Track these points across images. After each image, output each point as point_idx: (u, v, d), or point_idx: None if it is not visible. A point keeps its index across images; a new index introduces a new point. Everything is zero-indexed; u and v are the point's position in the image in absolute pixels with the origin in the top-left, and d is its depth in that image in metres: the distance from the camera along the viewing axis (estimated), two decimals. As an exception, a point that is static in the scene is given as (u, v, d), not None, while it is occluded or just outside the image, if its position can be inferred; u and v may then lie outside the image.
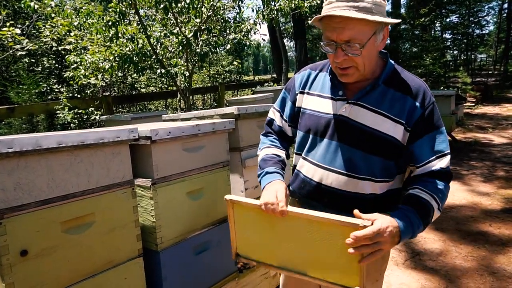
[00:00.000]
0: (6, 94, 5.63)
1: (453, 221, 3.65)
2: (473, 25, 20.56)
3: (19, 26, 5.88)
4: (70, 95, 6.31)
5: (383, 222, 0.97)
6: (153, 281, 1.55)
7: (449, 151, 1.15)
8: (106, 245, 1.36)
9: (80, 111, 5.58)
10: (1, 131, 4.99)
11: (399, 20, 1.16)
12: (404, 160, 1.20)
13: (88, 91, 6.03)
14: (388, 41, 16.20)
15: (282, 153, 1.36)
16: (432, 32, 18.12)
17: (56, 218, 1.22)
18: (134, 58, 4.24)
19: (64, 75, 5.34)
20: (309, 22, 1.18)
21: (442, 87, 12.82)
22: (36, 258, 1.17)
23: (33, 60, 6.24)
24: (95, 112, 5.75)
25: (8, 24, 4.12)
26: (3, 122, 5.28)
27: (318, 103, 1.25)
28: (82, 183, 1.29)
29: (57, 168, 1.22)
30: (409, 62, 14.06)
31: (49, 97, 6.21)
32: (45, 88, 6.02)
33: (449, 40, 18.59)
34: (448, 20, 18.43)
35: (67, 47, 5.77)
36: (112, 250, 1.38)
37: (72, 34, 5.43)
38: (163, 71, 4.39)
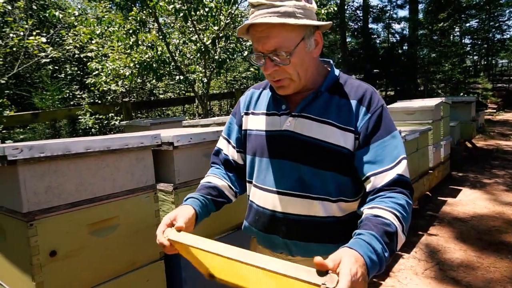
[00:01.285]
0: (31, 100, 5.83)
1: (474, 230, 3.57)
2: (493, 29, 20.10)
3: (44, 34, 6.11)
4: (91, 101, 6.49)
5: (351, 267, 0.71)
6: (174, 284, 1.58)
7: (404, 155, 1.01)
8: (129, 247, 1.39)
9: (100, 117, 5.73)
10: (26, 136, 5.16)
11: (328, 23, 1.03)
12: (357, 172, 1.04)
13: (109, 97, 6.19)
14: (406, 47, 16.06)
15: (216, 180, 1.21)
16: (451, 37, 17.81)
17: (84, 221, 1.26)
18: (154, 65, 4.35)
19: (86, 82, 5.50)
20: (236, 34, 1.13)
21: (462, 93, 12.57)
22: (64, 259, 1.21)
23: (57, 67, 6.45)
24: (115, 118, 5.90)
25: (34, 33, 4.29)
26: (28, 127, 5.47)
27: (263, 121, 1.15)
28: (108, 187, 1.33)
29: (84, 172, 1.27)
30: (428, 68, 13.86)
31: (71, 102, 6.40)
32: (67, 94, 6.21)
33: (468, 45, 18.23)
34: (467, 25, 18.09)
35: (89, 54, 5.97)
36: (135, 253, 1.42)
37: (93, 41, 5.61)
38: (181, 77, 4.48)
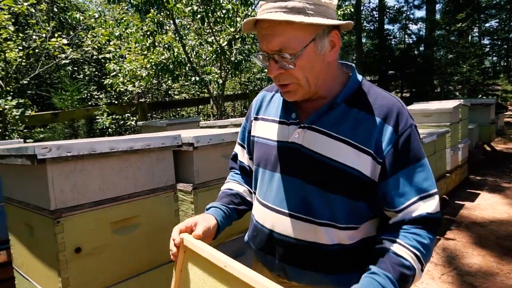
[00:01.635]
0: (51, 100, 5.99)
1: (493, 235, 3.49)
2: (514, 30, 19.61)
3: (63, 36, 6.27)
4: (108, 101, 6.62)
5: None
6: (192, 283, 1.60)
7: (436, 190, 0.89)
8: (149, 246, 1.42)
9: (117, 117, 5.84)
10: (46, 135, 5.31)
11: (348, 22, 0.90)
12: (380, 201, 0.92)
13: (125, 98, 6.31)
14: (422, 48, 15.81)
15: (237, 186, 1.17)
16: (470, 38, 17.45)
17: (107, 219, 1.30)
18: (170, 66, 4.40)
19: (104, 82, 5.62)
20: (251, 36, 1.06)
21: (480, 95, 12.31)
22: (88, 256, 1.25)
23: (75, 68, 6.61)
24: (131, 118, 6.00)
25: (56, 35, 4.41)
26: (48, 126, 5.61)
27: (271, 129, 1.04)
28: (130, 186, 1.37)
29: (108, 171, 1.30)
30: (445, 69, 13.62)
31: (89, 103, 6.54)
32: (85, 95, 6.35)
33: (487, 46, 17.83)
34: (487, 25, 17.69)
35: (107, 55, 6.09)
36: (155, 252, 1.44)
37: (111, 43, 5.73)
38: (197, 78, 4.53)
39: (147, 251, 1.41)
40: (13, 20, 3.92)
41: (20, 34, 3.98)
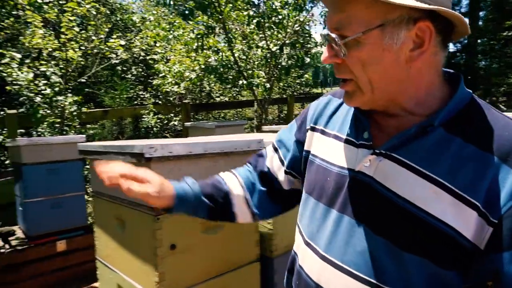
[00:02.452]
0: (99, 97, 6.27)
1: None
2: None
3: (114, 37, 6.57)
4: (153, 101, 6.84)
5: None
6: (266, 286, 1.61)
7: None
8: (232, 247, 1.45)
9: (161, 117, 6.02)
10: (96, 131, 5.55)
11: (452, 12, 0.62)
12: (483, 274, 0.66)
13: (171, 98, 6.50)
14: (465, 56, 15.23)
15: (234, 185, 0.96)
16: (516, 47, 16.63)
17: (198, 219, 1.33)
18: (220, 69, 4.50)
19: (153, 82, 5.81)
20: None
21: (528, 108, 11.69)
22: (181, 253, 1.28)
23: (125, 68, 6.88)
24: (174, 118, 6.16)
25: (114, 36, 4.61)
26: (98, 123, 5.86)
27: (332, 148, 0.79)
28: (218, 188, 1.40)
29: (201, 172, 1.34)
30: (489, 79, 13.06)
31: (135, 102, 6.78)
32: (132, 94, 6.59)
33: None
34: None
35: (154, 56, 6.31)
36: (236, 253, 1.47)
37: (158, 44, 5.92)
38: (245, 82, 4.60)
39: (229, 252, 1.44)
40: (78, 22, 4.14)
41: (83, 35, 4.20)
